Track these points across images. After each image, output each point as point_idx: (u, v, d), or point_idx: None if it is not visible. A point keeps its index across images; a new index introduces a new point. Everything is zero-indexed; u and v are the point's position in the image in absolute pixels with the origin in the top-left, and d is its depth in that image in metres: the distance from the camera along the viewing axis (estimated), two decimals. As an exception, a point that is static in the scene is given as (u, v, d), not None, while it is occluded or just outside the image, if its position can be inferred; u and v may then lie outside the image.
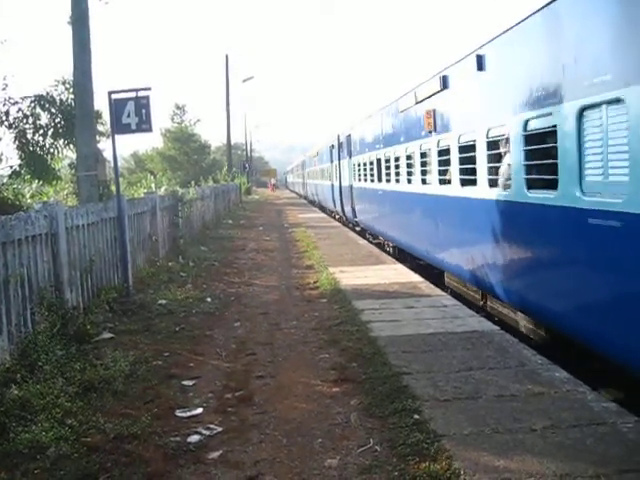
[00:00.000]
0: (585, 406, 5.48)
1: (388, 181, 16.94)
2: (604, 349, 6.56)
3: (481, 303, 10.54)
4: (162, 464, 4.85)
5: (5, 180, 15.27)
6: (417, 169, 13.50)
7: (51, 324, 7.44)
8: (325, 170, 34.21)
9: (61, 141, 15.26)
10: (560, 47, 7.09)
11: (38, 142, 15.20)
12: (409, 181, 14.51)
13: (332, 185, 30.69)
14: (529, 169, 7.88)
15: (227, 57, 47.91)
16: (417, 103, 12.97)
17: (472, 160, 9.83)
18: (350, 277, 12.65)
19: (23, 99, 15.02)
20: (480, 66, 9.26)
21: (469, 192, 10.10)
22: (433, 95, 11.79)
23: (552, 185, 7.17)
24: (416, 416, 5.39)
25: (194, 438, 5.34)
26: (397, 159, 15.64)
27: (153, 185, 23.78)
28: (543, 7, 7.31)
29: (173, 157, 70.68)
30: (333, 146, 29.10)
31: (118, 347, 7.83)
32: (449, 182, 11.23)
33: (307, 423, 5.56)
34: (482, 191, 9.50)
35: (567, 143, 6.78)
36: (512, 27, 8.25)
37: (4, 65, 19.81)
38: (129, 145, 72.59)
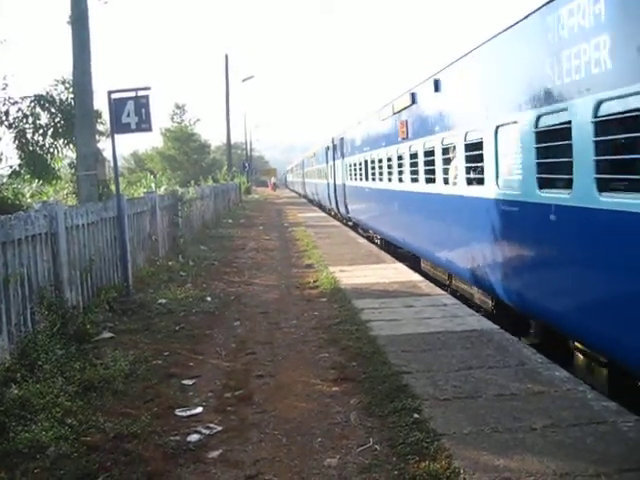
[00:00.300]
0: (585, 405, 5.48)
1: (373, 180, 19.07)
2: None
3: (447, 283, 12.28)
4: (162, 463, 4.85)
5: (5, 180, 15.28)
6: (395, 170, 15.74)
7: (51, 323, 7.44)
8: (322, 170, 36.23)
9: (61, 141, 15.25)
10: (479, 82, 9.53)
11: (38, 142, 15.19)
12: (389, 180, 16.59)
13: (328, 184, 32.43)
14: (465, 170, 10.12)
15: (227, 57, 47.92)
16: (394, 114, 15.21)
17: (432, 163, 12.04)
18: (350, 276, 12.66)
19: (23, 99, 15.01)
20: (437, 88, 11.55)
21: (431, 188, 12.27)
22: (405, 108, 14.05)
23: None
24: (416, 415, 5.39)
25: (194, 437, 5.34)
26: (380, 161, 17.84)
27: (153, 184, 23.75)
28: (469, 52, 9.76)
29: (173, 156, 70.64)
30: (328, 147, 31.07)
31: (118, 346, 7.83)
32: (417, 180, 13.34)
33: (307, 422, 5.56)
34: (438, 187, 11.68)
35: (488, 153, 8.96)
36: (453, 62, 10.68)
37: (4, 65, 19.80)
38: (129, 144, 72.64)
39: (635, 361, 5.75)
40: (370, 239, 21.17)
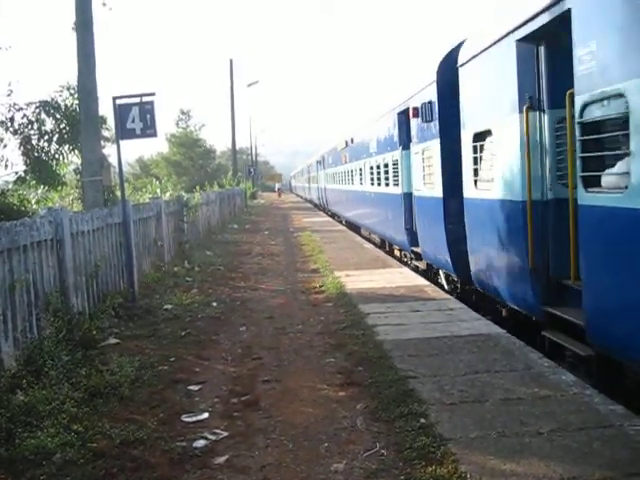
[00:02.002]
0: (592, 409, 5.46)
1: (336, 183, 32.56)
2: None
3: (367, 234, 22.67)
4: (168, 469, 4.85)
5: (10, 186, 15.31)
6: (343, 178, 28.19)
7: (57, 329, 7.45)
8: (314, 177, 51.72)
9: (66, 147, 15.29)
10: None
11: (43, 148, 15.23)
12: (344, 183, 28.31)
13: (317, 187, 48.56)
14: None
15: (231, 62, 48.08)
16: (340, 150, 28.95)
17: (361, 173, 21.46)
18: (356, 281, 12.64)
19: (28, 105, 15.06)
20: (347, 144, 22.31)
21: (360, 187, 22.49)
22: (343, 148, 26.20)
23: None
24: (422, 420, 5.37)
25: (200, 443, 5.33)
26: (336, 173, 31.97)
27: (158, 190, 23.81)
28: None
29: (178, 162, 70.80)
30: (319, 161, 44.93)
31: (124, 352, 7.83)
32: (353, 183, 24.50)
33: (313, 427, 5.54)
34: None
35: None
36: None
37: (9, 71, 19.87)
38: (134, 150, 72.86)
39: None
40: (334, 217, 35.54)
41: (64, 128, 15.08)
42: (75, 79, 12.77)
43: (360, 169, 22.35)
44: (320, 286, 12.39)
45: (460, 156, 10.22)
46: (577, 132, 6.35)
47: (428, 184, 12.59)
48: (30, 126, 15.08)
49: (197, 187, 29.97)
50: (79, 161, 14.07)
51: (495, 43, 8.38)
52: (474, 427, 5.18)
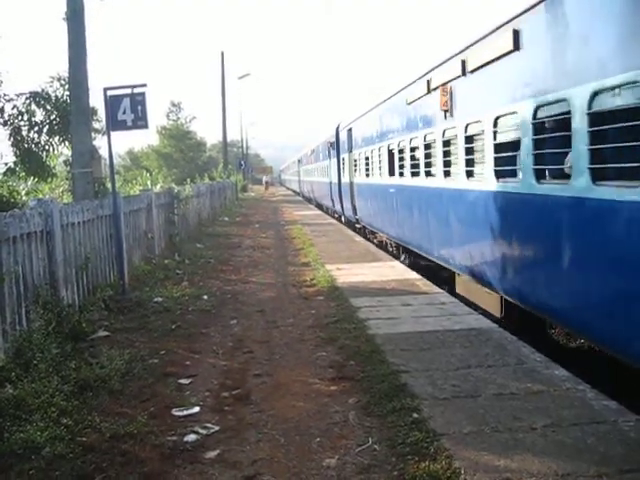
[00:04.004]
0: (585, 404, 5.45)
1: (310, 176, 43.24)
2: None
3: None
4: (159, 464, 4.80)
5: (0, 177, 15.17)
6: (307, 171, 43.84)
7: (46, 322, 7.38)
8: (294, 172, 65.81)
9: (56, 138, 15.14)
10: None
11: (33, 139, 15.08)
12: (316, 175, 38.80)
13: (298, 180, 60.74)
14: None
15: (223, 54, 47.86)
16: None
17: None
18: (347, 274, 12.62)
19: (18, 96, 14.90)
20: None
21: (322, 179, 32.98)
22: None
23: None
24: (415, 415, 5.34)
25: (191, 437, 5.29)
26: (315, 168, 39.36)
27: (149, 182, 23.63)
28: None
29: (169, 154, 70.65)
30: (300, 160, 55.62)
31: (114, 345, 7.77)
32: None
33: (305, 422, 5.51)
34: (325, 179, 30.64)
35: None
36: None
37: (-2, 61, 19.71)
38: (124, 143, 72.70)
39: None
40: (309, 200, 44.30)
41: (54, 119, 14.93)
42: (66, 70, 12.66)
43: (321, 168, 34.50)
44: (311, 279, 12.35)
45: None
46: None
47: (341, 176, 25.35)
48: (20, 117, 14.91)
49: (188, 179, 29.85)
50: (69, 153, 13.93)
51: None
52: (467, 422, 5.16)
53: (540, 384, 5.97)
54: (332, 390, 6.23)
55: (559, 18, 6.60)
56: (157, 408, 5.93)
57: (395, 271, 13.00)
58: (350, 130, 22.57)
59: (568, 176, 6.44)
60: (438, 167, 11.10)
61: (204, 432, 5.39)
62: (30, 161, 15.05)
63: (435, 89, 10.88)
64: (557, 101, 6.58)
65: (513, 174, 7.88)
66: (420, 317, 8.81)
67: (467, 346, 7.35)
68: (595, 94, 5.83)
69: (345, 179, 24.34)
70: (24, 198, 13.97)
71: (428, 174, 11.97)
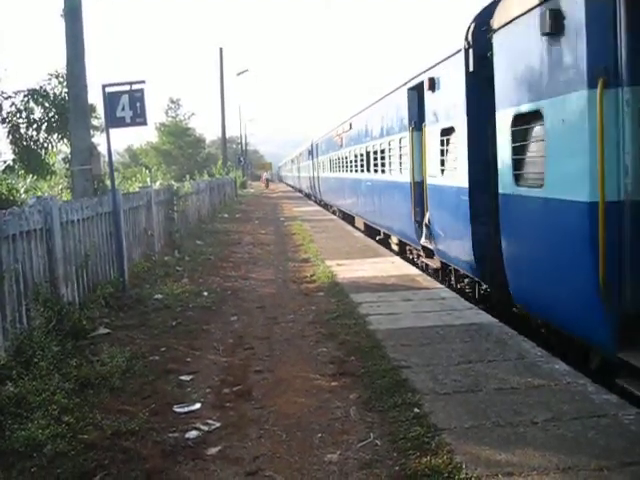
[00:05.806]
0: (586, 398, 5.45)
1: (299, 171, 59.77)
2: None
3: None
4: (160, 461, 4.80)
5: (-2, 175, 15.18)
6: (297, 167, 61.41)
7: (47, 320, 7.37)
8: (290, 169, 76.23)
9: (55, 135, 15.16)
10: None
11: (32, 137, 15.10)
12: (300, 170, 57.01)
13: (295, 175, 68.39)
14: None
15: (221, 50, 47.74)
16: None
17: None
18: (347, 270, 12.61)
19: (16, 93, 14.91)
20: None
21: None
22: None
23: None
24: (416, 410, 5.35)
25: (192, 434, 5.29)
26: (303, 166, 53.59)
27: (148, 179, 23.63)
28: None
29: (168, 151, 70.57)
30: (293, 161, 67.38)
31: (114, 342, 7.77)
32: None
33: (306, 418, 5.51)
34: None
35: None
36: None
37: (-3, 59, 19.69)
38: (123, 140, 72.65)
39: None
40: (298, 190, 58.00)
41: (53, 116, 14.94)
42: (64, 67, 12.64)
43: (305, 166, 45.93)
44: (311, 275, 12.35)
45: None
46: None
47: (313, 172, 42.01)
48: (18, 114, 14.93)
49: (187, 176, 29.82)
50: (68, 150, 13.94)
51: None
52: (468, 417, 5.17)
53: (541, 378, 5.97)
54: (333, 386, 6.23)
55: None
56: (158, 405, 5.93)
57: (395, 267, 13.00)
58: (317, 145, 38.83)
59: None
60: (342, 168, 25.85)
61: (205, 428, 5.39)
62: (29, 159, 15.07)
63: (338, 134, 25.96)
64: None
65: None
66: (420, 312, 8.81)
67: (467, 341, 7.34)
68: None
69: (315, 174, 40.92)
70: (23, 196, 14.00)
71: (341, 170, 26.39)
